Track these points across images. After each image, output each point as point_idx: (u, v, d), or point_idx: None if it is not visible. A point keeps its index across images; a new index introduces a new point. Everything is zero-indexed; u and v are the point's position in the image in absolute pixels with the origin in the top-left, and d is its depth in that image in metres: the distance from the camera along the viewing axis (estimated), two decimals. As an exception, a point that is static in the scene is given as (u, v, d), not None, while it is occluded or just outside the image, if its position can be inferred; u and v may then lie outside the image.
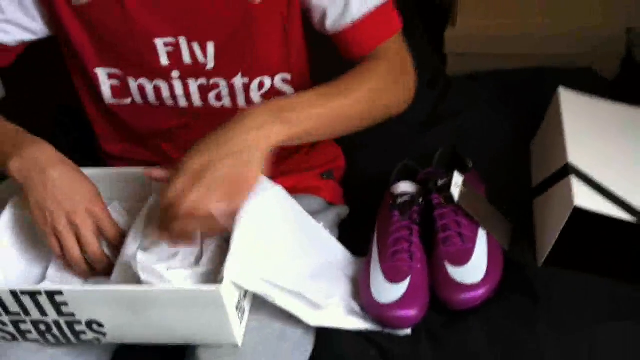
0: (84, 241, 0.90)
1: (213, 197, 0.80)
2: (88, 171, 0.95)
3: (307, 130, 0.87)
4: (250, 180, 0.83)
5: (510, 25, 1.46)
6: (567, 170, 0.99)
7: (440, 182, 1.03)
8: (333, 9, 0.96)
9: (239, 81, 1.03)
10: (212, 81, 1.03)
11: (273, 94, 1.05)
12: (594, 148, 1.05)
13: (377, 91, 0.95)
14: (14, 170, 0.89)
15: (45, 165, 0.89)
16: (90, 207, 0.90)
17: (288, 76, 1.04)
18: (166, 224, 0.82)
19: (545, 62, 1.44)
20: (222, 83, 1.03)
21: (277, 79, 1.04)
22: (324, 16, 0.97)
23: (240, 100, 1.05)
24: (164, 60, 1.00)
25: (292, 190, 1.07)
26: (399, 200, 1.05)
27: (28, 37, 1.03)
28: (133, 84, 1.04)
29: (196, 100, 1.05)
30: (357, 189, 1.21)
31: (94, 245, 0.90)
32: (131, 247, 0.89)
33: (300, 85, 1.05)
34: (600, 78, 1.40)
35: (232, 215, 0.83)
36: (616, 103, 1.19)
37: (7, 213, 0.94)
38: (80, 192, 0.90)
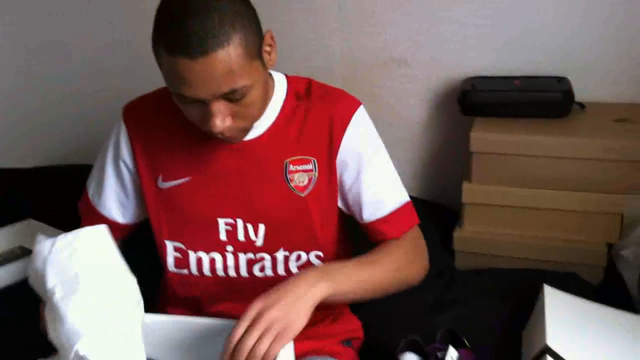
0: None
1: (265, 340, 0.96)
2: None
3: (345, 291, 1.09)
4: (297, 326, 0.99)
5: (509, 234, 1.71)
6: (545, 351, 1.19)
7: (439, 354, 1.24)
8: (369, 207, 1.22)
9: (280, 255, 1.23)
10: (258, 255, 1.23)
11: (308, 266, 1.24)
12: (570, 335, 1.25)
13: (399, 267, 1.18)
14: None
15: None
16: None
17: (320, 253, 1.25)
18: None
19: (539, 265, 1.67)
20: (267, 257, 1.23)
21: (312, 255, 1.24)
22: (360, 211, 1.22)
23: (280, 270, 1.24)
24: (223, 236, 1.22)
25: (316, 352, 1.28)
26: (405, 369, 1.24)
27: (133, 219, 1.30)
28: (192, 256, 1.25)
29: (243, 272, 1.25)
30: (369, 356, 1.40)
31: None
32: None
33: (330, 260, 1.24)
34: (585, 283, 1.61)
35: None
36: (595, 303, 1.40)
37: None
38: None
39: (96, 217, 1.29)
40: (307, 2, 1.99)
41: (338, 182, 1.22)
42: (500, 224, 1.71)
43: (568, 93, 1.71)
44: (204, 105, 1.04)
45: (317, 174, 1.20)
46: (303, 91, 1.23)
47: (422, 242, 1.27)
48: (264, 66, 1.09)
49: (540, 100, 1.71)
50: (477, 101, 1.75)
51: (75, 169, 2.28)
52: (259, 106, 1.10)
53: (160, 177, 1.23)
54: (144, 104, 1.26)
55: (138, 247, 1.38)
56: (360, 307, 1.45)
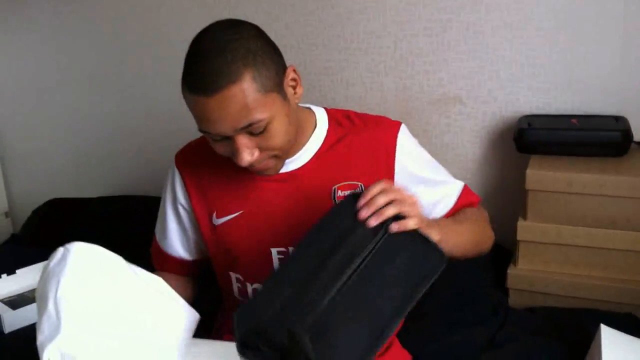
0: None
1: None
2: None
3: (453, 241, 1.11)
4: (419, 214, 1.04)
5: (564, 273, 1.69)
6: (602, 391, 1.17)
7: (492, 391, 1.23)
8: (437, 209, 1.31)
9: None
10: None
11: None
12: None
13: (483, 227, 1.34)
14: None
15: None
16: None
17: None
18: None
19: (594, 305, 1.63)
20: None
21: None
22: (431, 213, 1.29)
23: None
24: (276, 265, 1.26)
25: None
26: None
27: (198, 255, 1.38)
28: (249, 288, 1.30)
29: None
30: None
31: None
32: None
33: None
34: (641, 323, 1.57)
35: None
36: (653, 345, 1.37)
37: None
38: None
39: (164, 258, 1.39)
40: (364, 42, 2.04)
41: None
42: (555, 262, 1.69)
43: (627, 132, 1.69)
44: (230, 141, 1.10)
45: None
46: (344, 120, 1.29)
47: (487, 215, 1.39)
48: (286, 99, 1.13)
49: (598, 139, 1.70)
50: (534, 139, 1.75)
51: (134, 200, 2.37)
52: (283, 138, 1.13)
53: (214, 214, 1.28)
54: (192, 148, 1.34)
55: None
56: (412, 343, 1.46)
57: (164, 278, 1.36)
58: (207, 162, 1.28)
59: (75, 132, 2.59)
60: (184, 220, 1.34)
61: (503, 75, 1.90)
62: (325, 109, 1.31)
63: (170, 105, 2.36)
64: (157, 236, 1.40)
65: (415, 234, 1.00)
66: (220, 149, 1.14)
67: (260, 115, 1.07)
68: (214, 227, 1.29)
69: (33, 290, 1.79)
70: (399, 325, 1.29)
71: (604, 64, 1.80)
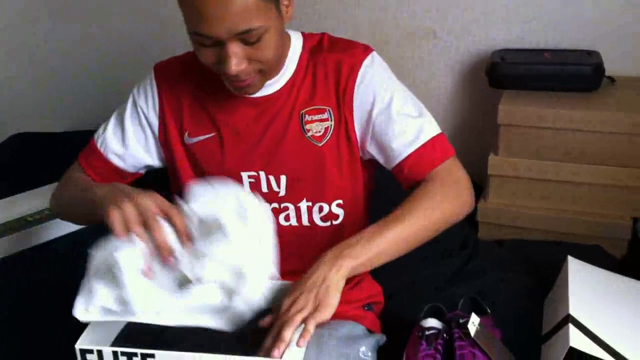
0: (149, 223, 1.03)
1: (307, 309, 1.00)
2: None
3: (370, 258, 1.07)
4: (330, 301, 1.01)
5: (533, 207, 1.72)
6: (568, 319, 1.20)
7: (461, 321, 1.25)
8: (393, 148, 1.19)
9: (304, 205, 1.26)
10: (282, 205, 1.26)
11: (330, 216, 1.27)
12: (593, 305, 1.26)
13: (430, 210, 1.13)
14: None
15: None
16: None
17: (341, 201, 1.26)
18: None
19: (563, 238, 1.67)
20: (291, 206, 1.26)
21: (334, 205, 1.26)
22: (386, 154, 1.20)
23: (304, 221, 1.27)
24: (247, 189, 1.25)
25: (338, 316, 1.29)
26: (427, 333, 1.26)
27: (143, 169, 1.34)
28: None
29: None
30: (393, 322, 1.42)
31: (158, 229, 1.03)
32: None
33: (352, 208, 1.25)
34: (608, 256, 1.60)
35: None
36: (618, 275, 1.40)
37: None
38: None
39: (98, 162, 1.32)
40: (336, -29, 1.99)
41: (361, 129, 1.23)
42: (525, 196, 1.71)
43: (598, 67, 1.69)
44: (220, 47, 1.07)
45: (333, 123, 1.23)
46: (316, 44, 1.27)
47: (460, 174, 1.20)
48: (281, 15, 1.11)
49: (570, 73, 1.70)
50: (506, 73, 1.74)
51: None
52: (273, 51, 1.12)
53: (187, 133, 1.27)
54: (173, 64, 1.30)
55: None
56: (383, 275, 1.47)
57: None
58: (185, 80, 1.26)
59: (38, 63, 2.51)
60: (144, 126, 1.29)
61: (477, 8, 1.88)
62: (303, 34, 1.28)
63: (135, 36, 2.30)
64: (98, 140, 1.32)
65: None
66: (207, 56, 1.10)
67: (259, 22, 1.05)
68: (185, 146, 1.28)
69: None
70: None
71: (578, -3, 1.78)
